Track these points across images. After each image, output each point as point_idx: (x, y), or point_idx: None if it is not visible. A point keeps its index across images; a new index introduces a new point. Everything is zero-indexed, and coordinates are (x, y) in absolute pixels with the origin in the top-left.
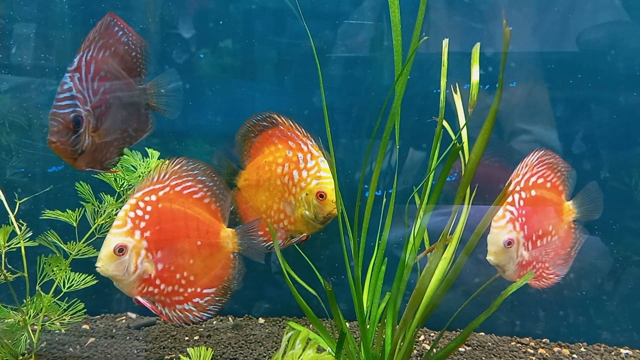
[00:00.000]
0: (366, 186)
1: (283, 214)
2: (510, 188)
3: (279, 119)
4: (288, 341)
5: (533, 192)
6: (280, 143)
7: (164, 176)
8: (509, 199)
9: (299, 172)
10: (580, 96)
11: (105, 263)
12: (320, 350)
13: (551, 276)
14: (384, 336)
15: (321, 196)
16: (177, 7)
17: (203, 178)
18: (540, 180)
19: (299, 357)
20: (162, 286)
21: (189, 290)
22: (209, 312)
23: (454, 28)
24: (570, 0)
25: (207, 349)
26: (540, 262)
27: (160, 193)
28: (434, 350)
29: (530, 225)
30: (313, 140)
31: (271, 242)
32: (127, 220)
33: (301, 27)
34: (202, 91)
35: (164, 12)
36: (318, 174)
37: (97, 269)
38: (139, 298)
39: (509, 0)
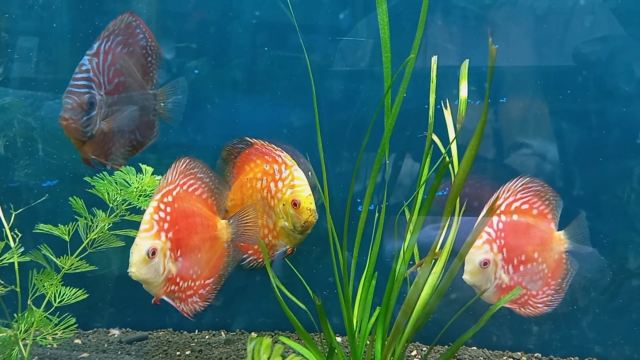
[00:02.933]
0: (359, 200)
1: (267, 229)
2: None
3: (251, 140)
4: (254, 348)
5: (515, 217)
6: (258, 159)
7: (175, 176)
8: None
9: (275, 183)
10: (574, 109)
11: (138, 267)
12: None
13: (539, 305)
14: (374, 350)
15: (295, 204)
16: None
17: (201, 175)
18: (525, 207)
19: None
20: (181, 283)
21: (197, 283)
22: (209, 300)
23: (454, 43)
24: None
25: None
26: (524, 288)
27: (174, 193)
28: None
29: (511, 249)
30: (285, 152)
31: (257, 258)
32: (154, 223)
33: (298, 41)
34: (196, 106)
35: (160, 26)
36: (292, 183)
37: (130, 274)
38: (165, 297)
39: (504, 17)
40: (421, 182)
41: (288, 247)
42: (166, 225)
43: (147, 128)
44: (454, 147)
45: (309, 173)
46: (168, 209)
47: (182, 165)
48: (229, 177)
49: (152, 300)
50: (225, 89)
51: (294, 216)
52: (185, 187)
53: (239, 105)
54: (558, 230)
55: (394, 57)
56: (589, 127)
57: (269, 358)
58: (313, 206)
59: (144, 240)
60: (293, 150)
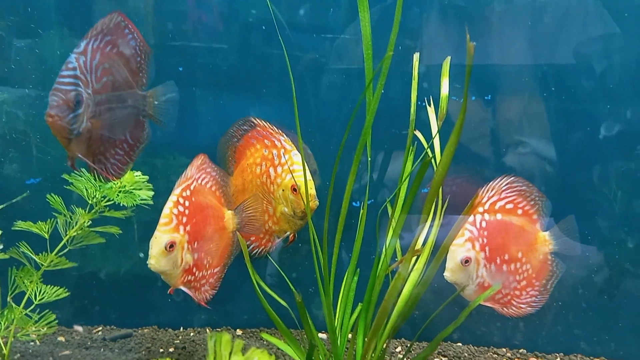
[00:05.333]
0: (357, 202)
1: (267, 215)
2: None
3: (255, 120)
4: (215, 345)
5: (499, 216)
6: (258, 143)
7: (193, 172)
8: (470, 219)
9: (274, 168)
10: (569, 109)
11: (157, 260)
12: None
13: (522, 306)
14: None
15: (294, 190)
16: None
17: (209, 170)
18: (510, 206)
19: None
20: (197, 273)
21: (208, 272)
22: (216, 288)
23: (450, 41)
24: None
25: None
26: (507, 288)
27: (192, 187)
28: None
29: (494, 248)
30: (285, 135)
31: (259, 245)
32: (172, 218)
33: (298, 40)
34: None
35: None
36: (291, 168)
37: (149, 266)
38: (182, 287)
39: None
40: (403, 179)
41: (289, 233)
42: (184, 219)
43: (136, 129)
44: (437, 144)
45: (309, 158)
46: (186, 203)
47: (198, 161)
48: (231, 162)
49: (168, 291)
50: (210, 86)
51: (294, 202)
52: (199, 182)
53: (224, 104)
54: (544, 231)
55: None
56: (579, 127)
57: (230, 354)
58: (313, 191)
59: (163, 234)
60: (293, 135)
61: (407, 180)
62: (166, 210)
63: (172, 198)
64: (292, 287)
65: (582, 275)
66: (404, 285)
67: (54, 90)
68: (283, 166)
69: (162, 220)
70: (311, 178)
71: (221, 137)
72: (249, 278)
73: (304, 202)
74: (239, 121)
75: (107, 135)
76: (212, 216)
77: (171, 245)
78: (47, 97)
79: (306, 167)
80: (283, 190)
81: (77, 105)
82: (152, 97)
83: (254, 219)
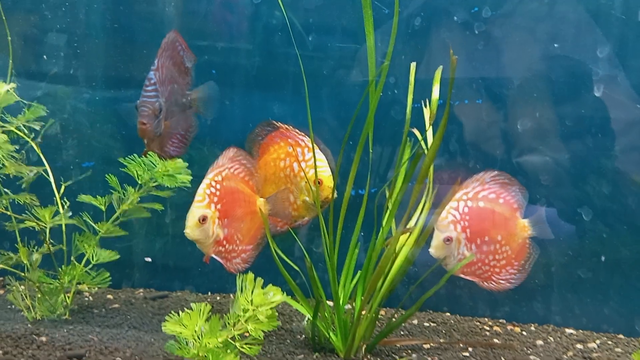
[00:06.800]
0: (361, 190)
1: (287, 202)
2: (457, 196)
3: (277, 124)
4: (242, 282)
5: (481, 204)
6: (282, 141)
7: (224, 161)
8: (454, 204)
9: (298, 163)
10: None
11: (192, 230)
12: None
13: (502, 282)
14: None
15: (318, 183)
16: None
17: (244, 162)
18: (492, 196)
19: (251, 294)
20: (227, 246)
21: (240, 247)
22: (249, 263)
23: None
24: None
25: (206, 305)
26: (487, 265)
27: (223, 174)
28: (394, 319)
29: (474, 230)
30: (307, 137)
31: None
32: (205, 196)
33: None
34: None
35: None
36: (315, 164)
37: (186, 234)
38: (214, 255)
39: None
40: (397, 170)
41: (306, 218)
42: (215, 199)
43: (187, 123)
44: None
45: (328, 156)
46: (218, 186)
47: (230, 153)
48: (255, 156)
49: (203, 259)
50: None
51: (315, 193)
52: (231, 170)
53: (252, 102)
54: (523, 218)
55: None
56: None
57: (252, 290)
58: (332, 184)
59: (197, 209)
60: (315, 137)
61: (404, 168)
62: (200, 190)
63: (205, 181)
64: (305, 252)
65: (556, 257)
66: (396, 255)
67: (142, 103)
68: (307, 162)
69: (196, 198)
70: (331, 174)
71: (248, 134)
72: (271, 258)
73: (324, 194)
74: (262, 122)
75: (172, 131)
76: (243, 200)
77: (203, 219)
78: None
79: (327, 164)
80: (306, 182)
81: (160, 112)
82: (198, 94)
83: (284, 208)
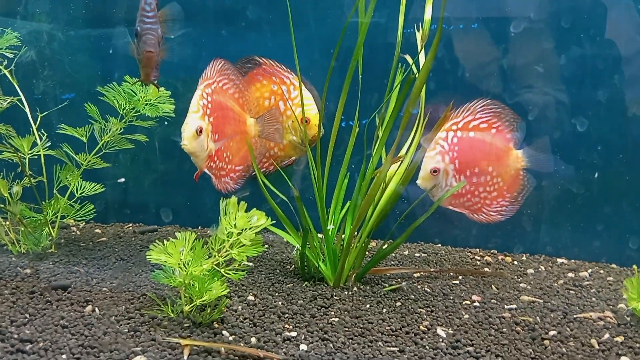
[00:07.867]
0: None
1: (273, 142)
2: (447, 126)
3: (260, 59)
4: (225, 206)
5: (471, 134)
6: (265, 79)
7: (213, 73)
8: (443, 135)
9: (284, 102)
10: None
11: (190, 141)
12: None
13: (492, 214)
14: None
15: (305, 122)
16: None
17: (233, 77)
18: (484, 125)
19: (234, 218)
20: (217, 162)
21: (229, 166)
22: (239, 183)
23: None
24: None
25: (191, 234)
26: (477, 197)
27: (212, 87)
28: (384, 247)
29: (463, 161)
30: (294, 74)
31: (266, 169)
32: (199, 107)
33: None
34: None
35: None
36: (302, 102)
37: (182, 147)
38: (205, 170)
39: None
40: (386, 97)
41: (293, 158)
42: (208, 111)
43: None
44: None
45: (314, 95)
46: (209, 98)
47: (218, 65)
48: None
49: (194, 176)
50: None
51: (303, 131)
52: (220, 85)
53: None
54: (518, 149)
55: None
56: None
57: (236, 213)
58: (318, 123)
59: (193, 120)
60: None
61: (395, 93)
62: (194, 100)
63: (197, 92)
64: (290, 183)
65: (550, 189)
66: (386, 185)
67: (147, 30)
68: (293, 100)
69: (191, 108)
70: (317, 112)
71: None
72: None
73: (312, 132)
74: (240, 60)
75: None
76: (232, 118)
77: (200, 130)
78: None
79: (313, 102)
80: (293, 121)
81: (161, 40)
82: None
83: (275, 129)
